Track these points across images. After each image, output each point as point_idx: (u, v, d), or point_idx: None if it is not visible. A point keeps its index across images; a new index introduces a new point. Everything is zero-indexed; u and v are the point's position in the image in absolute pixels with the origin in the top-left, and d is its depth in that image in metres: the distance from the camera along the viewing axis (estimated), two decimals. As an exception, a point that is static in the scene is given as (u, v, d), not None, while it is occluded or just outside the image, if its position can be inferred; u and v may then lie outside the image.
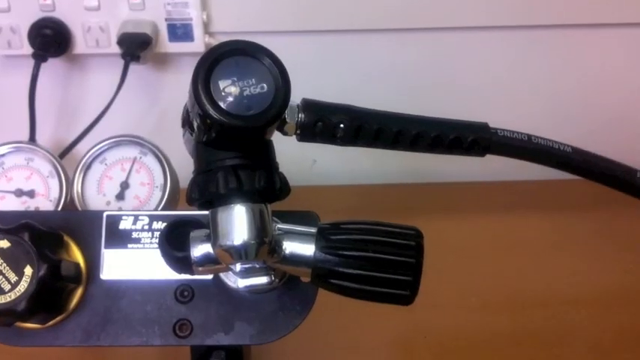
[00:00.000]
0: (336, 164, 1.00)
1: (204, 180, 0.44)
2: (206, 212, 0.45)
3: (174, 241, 0.47)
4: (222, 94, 0.41)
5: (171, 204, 0.60)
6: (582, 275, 0.83)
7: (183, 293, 0.53)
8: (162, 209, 0.59)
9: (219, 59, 0.41)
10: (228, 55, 0.41)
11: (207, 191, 0.44)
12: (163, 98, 0.93)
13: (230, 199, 0.44)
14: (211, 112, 0.40)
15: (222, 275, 0.52)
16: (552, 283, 0.82)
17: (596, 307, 0.80)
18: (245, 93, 0.41)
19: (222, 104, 0.41)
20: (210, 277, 0.53)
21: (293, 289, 0.53)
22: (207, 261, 0.46)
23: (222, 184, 0.43)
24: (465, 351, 0.76)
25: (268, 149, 0.46)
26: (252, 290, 0.52)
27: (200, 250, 0.46)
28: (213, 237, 0.44)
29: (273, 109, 0.41)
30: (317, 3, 0.85)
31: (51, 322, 0.52)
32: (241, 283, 0.51)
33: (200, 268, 0.47)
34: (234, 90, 0.41)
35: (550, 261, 0.84)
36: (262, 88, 0.42)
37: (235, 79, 0.41)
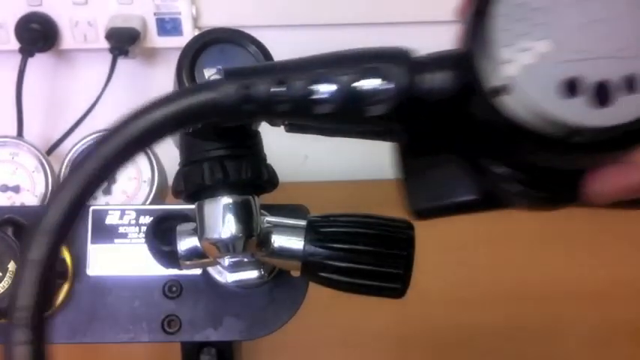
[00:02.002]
0: (328, 160, 0.99)
1: (190, 171, 0.43)
2: (193, 205, 0.44)
3: (161, 236, 0.46)
4: (208, 83, 0.40)
5: (159, 198, 0.59)
6: (576, 270, 0.82)
7: (172, 289, 0.52)
8: (149, 204, 0.58)
9: (204, 47, 0.40)
10: (213, 43, 0.41)
11: (193, 183, 0.43)
12: (152, 93, 0.90)
13: (216, 191, 0.43)
14: None
15: (210, 270, 0.51)
16: (546, 277, 0.82)
17: (589, 301, 0.79)
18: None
19: (207, 93, 0.40)
20: (198, 272, 0.52)
21: (283, 283, 0.52)
22: (194, 255, 0.45)
23: (208, 175, 0.42)
24: (458, 346, 0.75)
25: (255, 140, 0.45)
26: (242, 285, 0.51)
27: (187, 243, 0.45)
28: (199, 230, 0.43)
29: None
30: (308, -4, 0.85)
31: (36, 319, 0.51)
32: (230, 277, 0.50)
33: (187, 262, 0.46)
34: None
35: (544, 256, 0.84)
36: (248, 76, 0.41)
37: (220, 67, 0.40)
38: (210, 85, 0.30)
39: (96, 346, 0.66)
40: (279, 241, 0.45)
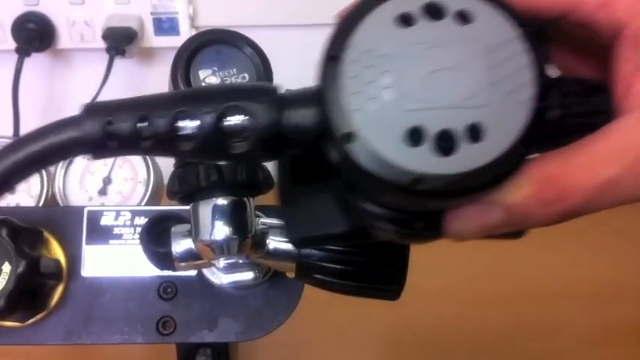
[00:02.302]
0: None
1: (185, 173, 0.43)
2: (188, 207, 0.44)
3: (156, 237, 0.46)
4: (203, 84, 0.40)
5: (154, 199, 0.59)
6: (573, 269, 0.82)
7: (167, 290, 0.52)
8: (145, 205, 0.58)
9: (199, 48, 0.40)
10: (209, 44, 0.40)
11: (188, 184, 0.42)
12: (149, 92, 0.92)
13: (211, 193, 0.43)
14: None
15: (205, 271, 0.51)
16: (543, 277, 0.81)
17: (587, 300, 0.79)
18: (226, 83, 0.40)
19: (202, 95, 0.40)
20: (193, 273, 0.52)
21: (278, 284, 0.52)
22: (188, 256, 0.45)
23: (204, 177, 0.42)
24: (455, 346, 0.75)
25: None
26: (237, 286, 0.51)
27: (181, 245, 0.45)
28: (194, 232, 0.43)
29: None
30: (305, -4, 0.85)
31: (31, 320, 0.51)
32: (225, 279, 0.50)
33: (182, 264, 0.46)
34: (214, 80, 0.40)
35: (543, 256, 0.83)
36: (244, 78, 0.41)
37: (216, 68, 0.40)
38: (73, 122, 0.30)
39: (92, 347, 0.66)
40: (273, 242, 0.45)
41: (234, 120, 0.29)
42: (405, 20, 0.28)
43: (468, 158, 0.27)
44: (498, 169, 0.27)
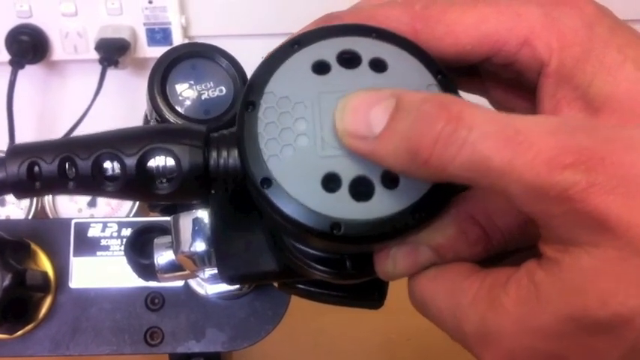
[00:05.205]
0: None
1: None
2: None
3: (141, 248, 0.46)
4: (180, 98, 0.40)
5: (143, 211, 0.59)
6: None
7: (154, 301, 0.53)
8: (133, 216, 0.58)
9: (175, 62, 0.41)
10: (185, 58, 0.41)
11: (168, 197, 0.43)
12: (143, 103, 0.92)
13: (192, 205, 0.43)
14: (168, 116, 0.40)
15: (191, 282, 0.52)
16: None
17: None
18: (203, 97, 0.40)
19: (179, 108, 0.40)
20: (180, 284, 0.52)
21: (264, 294, 0.52)
22: (171, 268, 0.45)
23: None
24: (449, 354, 0.75)
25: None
26: (222, 296, 0.51)
27: (164, 257, 0.45)
28: (175, 243, 0.43)
29: (232, 112, 0.40)
30: (296, 5, 0.85)
31: (19, 332, 0.52)
32: (210, 289, 0.50)
33: (165, 275, 0.46)
34: (191, 94, 0.40)
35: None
36: (221, 91, 0.41)
37: (192, 82, 0.41)
38: None
39: (79, 358, 0.67)
40: (255, 253, 0.45)
41: (157, 161, 0.29)
42: (321, 68, 0.28)
43: (384, 204, 0.27)
44: (417, 215, 0.27)
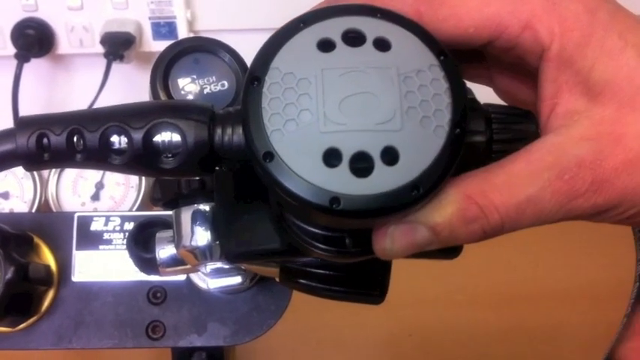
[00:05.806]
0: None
1: (167, 179, 0.43)
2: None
3: (143, 242, 0.47)
4: (182, 92, 0.40)
5: (146, 204, 0.59)
6: (570, 270, 0.82)
7: (156, 295, 0.53)
8: (137, 210, 0.58)
9: (178, 57, 0.41)
10: (187, 52, 0.41)
11: (170, 191, 0.43)
12: (147, 97, 0.92)
13: (193, 199, 0.43)
14: None
15: (193, 276, 0.52)
16: (540, 278, 0.81)
17: (585, 302, 0.79)
18: (205, 91, 0.41)
19: (181, 103, 0.40)
20: (183, 278, 0.52)
21: (266, 289, 0.52)
22: (173, 262, 0.45)
23: (185, 184, 0.42)
24: (451, 348, 0.75)
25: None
26: (224, 291, 0.51)
27: (166, 251, 0.45)
28: (176, 238, 0.44)
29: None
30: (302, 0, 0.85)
31: (22, 325, 0.52)
32: (212, 284, 0.50)
33: (167, 270, 0.46)
34: (194, 88, 0.40)
35: (538, 256, 0.83)
36: (223, 85, 0.41)
37: (195, 76, 0.41)
38: (6, 135, 0.30)
39: (88, 351, 0.67)
40: (257, 247, 0.45)
41: (163, 136, 0.30)
42: (326, 45, 0.29)
43: (383, 180, 0.27)
44: (415, 192, 0.27)
